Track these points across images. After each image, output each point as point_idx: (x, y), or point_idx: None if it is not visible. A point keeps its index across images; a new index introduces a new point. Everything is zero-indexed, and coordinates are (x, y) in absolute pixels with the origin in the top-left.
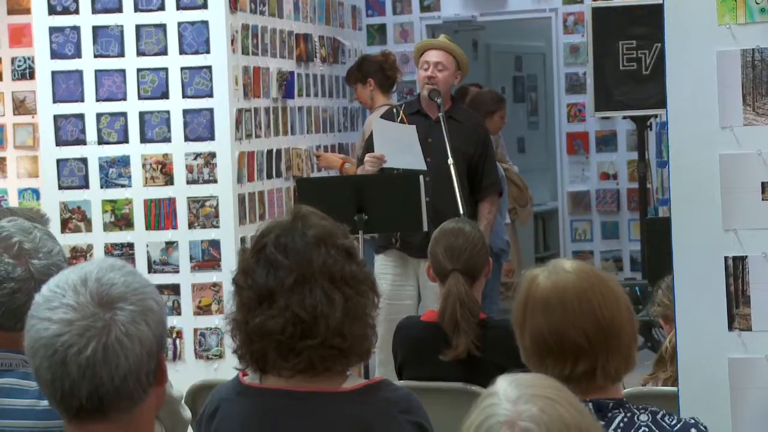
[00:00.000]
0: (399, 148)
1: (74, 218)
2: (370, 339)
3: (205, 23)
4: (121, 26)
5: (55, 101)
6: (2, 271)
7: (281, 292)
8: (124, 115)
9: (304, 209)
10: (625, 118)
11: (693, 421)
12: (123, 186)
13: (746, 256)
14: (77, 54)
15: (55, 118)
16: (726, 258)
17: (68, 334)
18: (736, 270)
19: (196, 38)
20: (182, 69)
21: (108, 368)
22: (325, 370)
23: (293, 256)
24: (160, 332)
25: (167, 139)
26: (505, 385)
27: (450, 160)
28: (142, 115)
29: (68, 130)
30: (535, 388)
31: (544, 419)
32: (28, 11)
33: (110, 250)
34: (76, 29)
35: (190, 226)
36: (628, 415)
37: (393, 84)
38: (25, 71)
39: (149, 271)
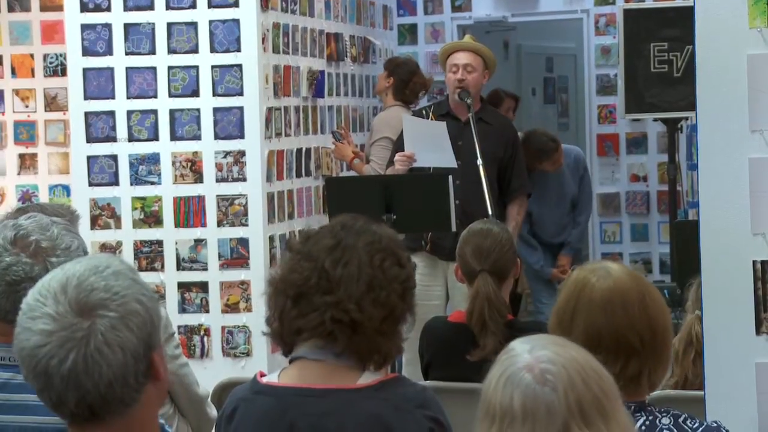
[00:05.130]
0: (429, 145)
1: (104, 215)
2: (393, 351)
3: (236, 21)
4: (153, 24)
5: (86, 98)
6: (20, 271)
7: (342, 283)
8: (154, 112)
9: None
10: (655, 120)
11: (716, 424)
12: (153, 183)
13: None
14: (109, 51)
15: (86, 115)
16: (754, 262)
17: (49, 346)
18: (765, 274)
19: (227, 36)
20: (213, 67)
21: (90, 378)
22: (350, 368)
23: (362, 261)
24: (147, 332)
25: (197, 137)
26: (518, 343)
27: (479, 161)
28: (172, 112)
29: (99, 127)
30: (546, 340)
31: (559, 359)
32: (60, 8)
33: (139, 247)
34: (107, 26)
35: (219, 224)
36: (650, 418)
37: (407, 101)
38: (57, 68)
39: (178, 269)
